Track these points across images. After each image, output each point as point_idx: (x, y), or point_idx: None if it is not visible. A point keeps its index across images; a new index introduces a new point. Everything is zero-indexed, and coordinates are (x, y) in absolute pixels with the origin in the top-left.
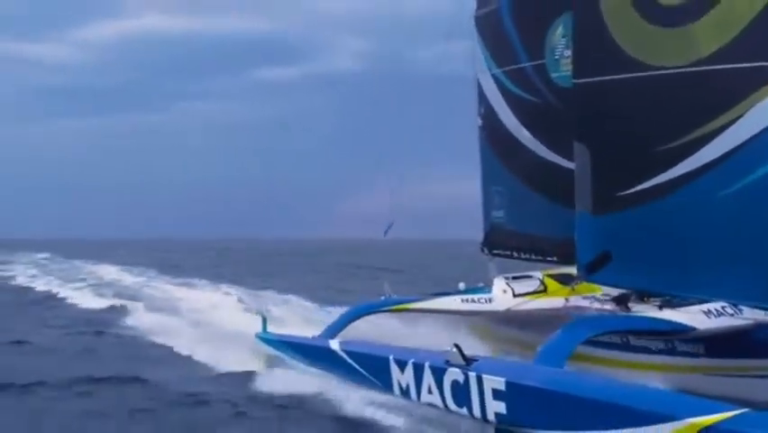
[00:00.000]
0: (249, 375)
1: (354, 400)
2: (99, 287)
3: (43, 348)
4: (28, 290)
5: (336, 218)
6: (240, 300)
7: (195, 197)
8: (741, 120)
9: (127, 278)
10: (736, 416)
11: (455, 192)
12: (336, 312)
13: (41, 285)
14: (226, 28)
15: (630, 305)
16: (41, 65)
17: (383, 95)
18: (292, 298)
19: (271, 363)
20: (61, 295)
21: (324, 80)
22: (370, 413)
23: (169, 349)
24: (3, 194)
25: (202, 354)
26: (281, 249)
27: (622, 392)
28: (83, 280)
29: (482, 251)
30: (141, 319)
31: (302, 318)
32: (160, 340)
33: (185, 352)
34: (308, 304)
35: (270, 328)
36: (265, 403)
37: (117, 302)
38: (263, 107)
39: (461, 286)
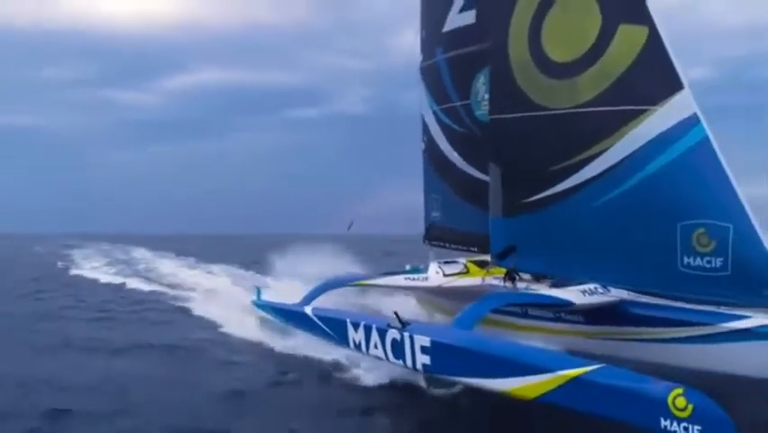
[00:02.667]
0: None
1: None
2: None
3: None
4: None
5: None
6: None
7: (241, 202)
8: (611, 148)
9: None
10: (596, 369)
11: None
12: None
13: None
14: (265, 79)
15: (524, 283)
16: (133, 106)
17: (380, 128)
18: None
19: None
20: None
21: (337, 119)
22: None
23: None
24: (109, 202)
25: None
26: (291, 240)
27: (513, 350)
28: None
29: (423, 242)
30: None
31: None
32: None
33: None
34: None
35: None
36: None
37: None
38: (291, 138)
39: (407, 267)
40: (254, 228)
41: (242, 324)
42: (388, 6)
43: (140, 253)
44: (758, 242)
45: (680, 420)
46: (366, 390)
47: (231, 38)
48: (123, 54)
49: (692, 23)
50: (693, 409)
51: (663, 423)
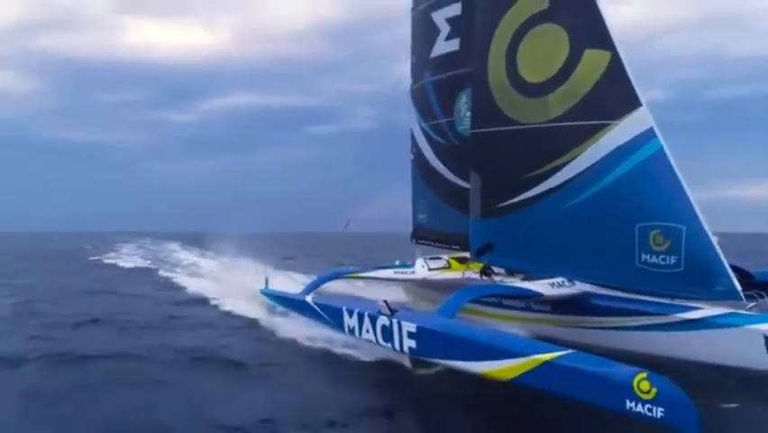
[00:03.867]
0: None
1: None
2: None
3: None
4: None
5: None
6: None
7: (269, 206)
8: (577, 158)
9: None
10: (566, 355)
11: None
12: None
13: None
14: (290, 101)
15: (496, 276)
16: (179, 125)
17: (381, 142)
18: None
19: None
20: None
21: (349, 133)
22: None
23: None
24: (155, 205)
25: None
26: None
27: (491, 336)
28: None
29: (411, 240)
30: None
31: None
32: None
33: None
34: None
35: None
36: None
37: None
38: (312, 150)
39: (397, 262)
40: (278, 227)
41: (196, 283)
42: (389, 40)
43: (170, 247)
44: (708, 242)
45: (644, 402)
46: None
47: (260, 68)
48: (170, 81)
49: (647, 54)
50: (657, 393)
51: (629, 404)
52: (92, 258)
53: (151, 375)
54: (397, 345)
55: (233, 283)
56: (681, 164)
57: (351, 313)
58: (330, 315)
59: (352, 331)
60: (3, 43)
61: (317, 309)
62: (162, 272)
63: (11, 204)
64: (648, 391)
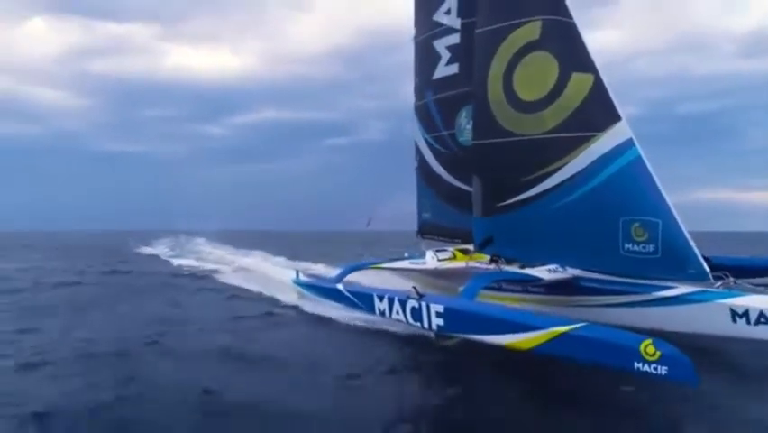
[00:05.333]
0: None
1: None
2: None
3: None
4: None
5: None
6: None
7: (291, 206)
8: (568, 164)
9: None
10: (581, 326)
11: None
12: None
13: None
14: (310, 116)
15: (500, 264)
16: (212, 137)
17: (390, 151)
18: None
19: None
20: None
21: (361, 145)
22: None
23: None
24: (190, 207)
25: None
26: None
27: (510, 313)
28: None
29: (416, 236)
30: None
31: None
32: None
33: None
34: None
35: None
36: None
37: None
38: (328, 159)
39: (406, 255)
40: (300, 226)
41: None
42: (395, 63)
43: (197, 240)
44: (681, 233)
45: (650, 363)
46: None
47: (282, 86)
48: (205, 98)
49: (625, 75)
50: (661, 355)
51: (636, 365)
52: (124, 249)
53: (141, 293)
54: (425, 324)
55: (231, 263)
56: (656, 168)
57: (381, 298)
58: (361, 300)
59: (382, 313)
60: (63, 66)
61: (349, 296)
62: (183, 258)
63: (64, 206)
64: (653, 354)
